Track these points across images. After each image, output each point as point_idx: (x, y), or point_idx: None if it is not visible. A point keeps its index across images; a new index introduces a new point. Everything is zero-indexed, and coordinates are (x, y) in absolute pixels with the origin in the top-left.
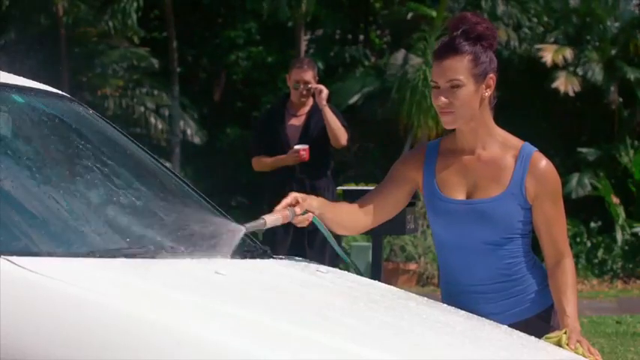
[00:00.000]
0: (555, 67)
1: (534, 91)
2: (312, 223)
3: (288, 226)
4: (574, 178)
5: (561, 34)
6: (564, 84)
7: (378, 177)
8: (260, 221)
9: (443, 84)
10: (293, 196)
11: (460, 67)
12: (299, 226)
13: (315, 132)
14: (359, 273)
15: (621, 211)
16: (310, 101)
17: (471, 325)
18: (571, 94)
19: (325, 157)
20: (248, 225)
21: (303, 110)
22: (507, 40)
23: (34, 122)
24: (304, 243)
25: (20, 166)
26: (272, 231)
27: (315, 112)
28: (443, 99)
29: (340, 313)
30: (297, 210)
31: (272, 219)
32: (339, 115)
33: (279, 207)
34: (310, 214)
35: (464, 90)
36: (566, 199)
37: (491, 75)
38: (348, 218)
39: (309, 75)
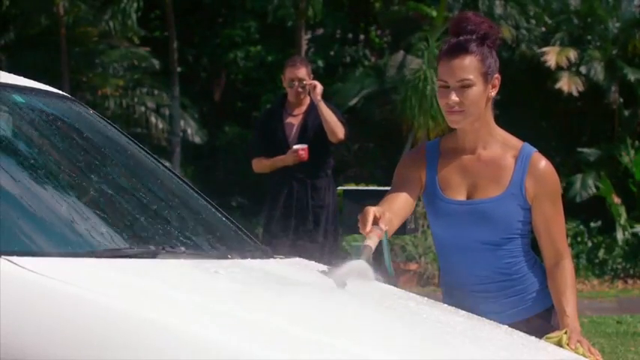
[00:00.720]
0: (559, 67)
1: (535, 91)
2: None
3: (287, 225)
4: (577, 181)
5: (565, 36)
6: (567, 84)
7: (378, 177)
8: (367, 249)
9: (453, 83)
10: (372, 211)
11: (470, 66)
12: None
13: (313, 130)
14: (395, 285)
15: (623, 211)
16: (307, 100)
17: (472, 325)
18: (575, 93)
19: (325, 156)
20: (363, 256)
21: (301, 110)
22: (512, 40)
23: (34, 122)
24: (305, 242)
25: (20, 166)
26: (272, 230)
27: (313, 110)
28: (454, 98)
29: (340, 313)
30: (383, 227)
31: (372, 241)
32: (335, 110)
33: (368, 228)
34: (386, 227)
35: (474, 89)
36: (570, 200)
37: (497, 75)
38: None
39: (302, 72)
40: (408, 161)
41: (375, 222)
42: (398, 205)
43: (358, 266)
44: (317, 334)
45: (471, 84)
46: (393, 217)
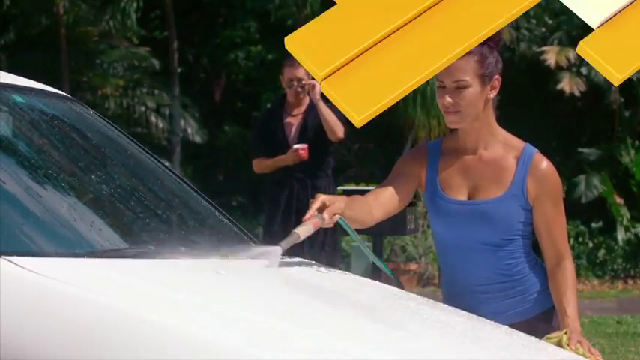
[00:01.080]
0: (559, 67)
1: (535, 91)
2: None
3: (287, 225)
4: (581, 182)
5: (564, 35)
6: (569, 84)
7: (378, 177)
8: (293, 235)
9: (449, 84)
10: (321, 199)
11: (467, 67)
12: (324, 227)
13: (312, 130)
14: (399, 284)
15: (625, 212)
16: (306, 100)
17: (472, 325)
18: (577, 94)
19: (325, 156)
20: (283, 243)
21: (300, 109)
22: (511, 40)
23: (34, 122)
24: (305, 242)
25: (20, 166)
26: (272, 230)
27: (312, 110)
28: (448, 99)
29: (340, 313)
30: (326, 217)
31: (304, 230)
32: (334, 109)
33: (308, 215)
34: (337, 216)
35: (470, 90)
36: (574, 201)
37: (497, 76)
38: (364, 213)
39: (301, 71)
40: (409, 158)
41: (321, 210)
42: (385, 197)
43: (267, 250)
44: (317, 334)
45: (466, 85)
46: (375, 207)
